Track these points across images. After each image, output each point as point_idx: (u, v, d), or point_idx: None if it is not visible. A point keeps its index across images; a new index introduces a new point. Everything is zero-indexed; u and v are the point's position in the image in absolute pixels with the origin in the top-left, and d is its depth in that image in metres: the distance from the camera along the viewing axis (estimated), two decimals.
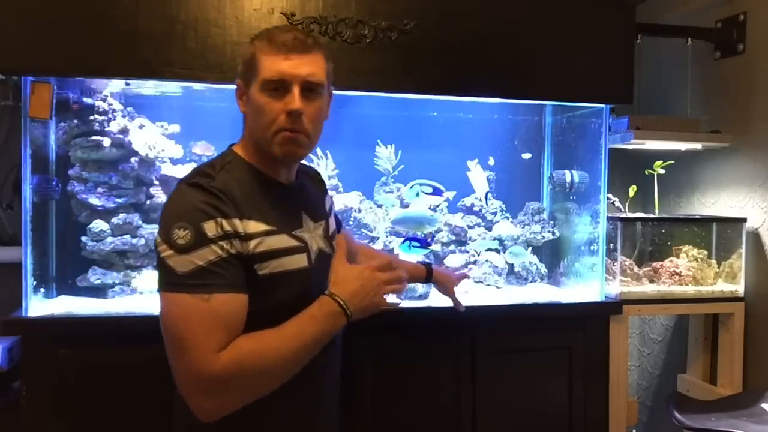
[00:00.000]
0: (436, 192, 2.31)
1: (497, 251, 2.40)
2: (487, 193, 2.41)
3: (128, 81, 1.97)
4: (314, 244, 1.28)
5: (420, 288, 2.15)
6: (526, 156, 2.53)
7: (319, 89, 1.22)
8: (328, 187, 1.56)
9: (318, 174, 1.52)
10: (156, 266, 1.15)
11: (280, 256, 1.18)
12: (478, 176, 2.40)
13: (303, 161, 1.36)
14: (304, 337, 1.13)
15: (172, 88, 2.05)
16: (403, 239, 2.23)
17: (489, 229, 2.45)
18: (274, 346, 1.10)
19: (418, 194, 2.28)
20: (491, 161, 2.49)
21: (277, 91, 1.18)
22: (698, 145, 2.40)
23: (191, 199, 1.13)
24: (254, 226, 1.16)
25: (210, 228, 1.10)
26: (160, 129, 2.14)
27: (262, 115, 1.19)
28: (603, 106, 2.22)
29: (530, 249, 2.46)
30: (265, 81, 1.18)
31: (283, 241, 1.20)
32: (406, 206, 2.40)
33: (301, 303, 1.18)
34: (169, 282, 1.10)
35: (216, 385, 1.06)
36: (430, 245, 2.28)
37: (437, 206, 2.41)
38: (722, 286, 2.33)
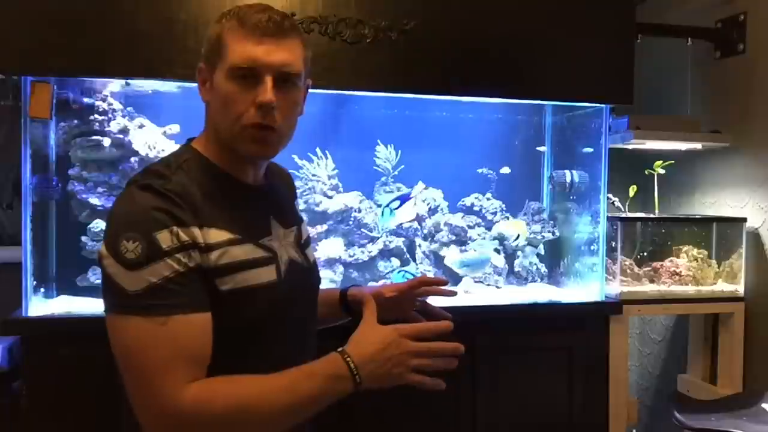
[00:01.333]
0: (403, 199, 2.25)
1: (497, 251, 2.40)
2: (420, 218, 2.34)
3: (128, 81, 1.97)
4: (284, 254, 1.11)
5: None
6: (542, 148, 2.52)
7: (294, 80, 1.06)
8: (328, 187, 1.53)
9: (290, 176, 1.36)
10: (101, 283, 0.98)
11: (244, 269, 1.02)
12: (407, 210, 2.30)
13: (273, 160, 1.18)
14: (295, 394, 0.95)
15: (172, 87, 2.05)
16: (397, 270, 2.22)
17: (489, 229, 2.45)
18: (255, 394, 0.94)
19: (392, 213, 2.24)
20: (506, 170, 2.49)
21: (246, 79, 1.02)
22: (698, 145, 2.40)
23: (142, 204, 0.96)
24: (215, 235, 0.99)
25: (164, 239, 0.93)
26: (163, 132, 2.14)
27: (228, 107, 1.03)
28: (603, 106, 2.22)
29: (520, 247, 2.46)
30: (233, 67, 1.02)
31: (248, 251, 1.03)
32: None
33: (271, 319, 1.06)
34: (117, 303, 0.94)
35: (180, 422, 0.91)
36: (410, 196, 2.23)
37: (437, 207, 2.41)
38: (722, 286, 2.33)
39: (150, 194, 0.97)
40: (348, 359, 0.98)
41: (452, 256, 2.29)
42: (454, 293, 1.44)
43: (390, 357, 1.00)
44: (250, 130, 1.03)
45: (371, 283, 2.23)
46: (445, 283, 1.41)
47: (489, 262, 2.29)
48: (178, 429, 0.93)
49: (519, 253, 2.41)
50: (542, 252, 2.44)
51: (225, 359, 0.98)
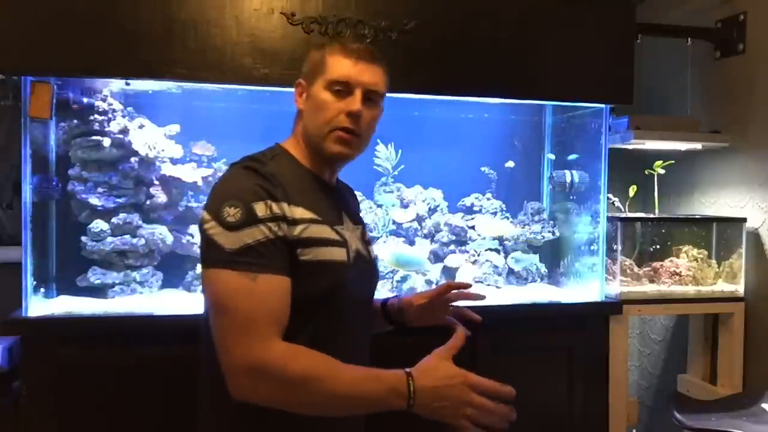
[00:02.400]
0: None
1: (497, 251, 2.40)
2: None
3: (128, 81, 1.97)
4: (353, 244, 1.29)
5: (420, 288, 2.15)
6: (550, 156, 2.52)
7: (377, 99, 1.29)
8: None
9: (352, 190, 1.55)
10: (201, 241, 1.16)
11: (321, 245, 1.19)
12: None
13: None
14: (358, 388, 1.09)
15: (172, 87, 2.05)
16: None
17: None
18: (328, 374, 1.07)
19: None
20: (510, 164, 2.49)
21: (341, 92, 1.24)
22: (698, 145, 2.40)
23: (243, 180, 1.16)
24: (301, 213, 1.18)
25: (260, 208, 1.12)
26: (164, 132, 2.14)
27: (323, 112, 1.24)
28: (603, 106, 2.22)
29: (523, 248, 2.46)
30: (331, 80, 1.24)
31: (325, 231, 1.22)
32: (406, 206, 2.40)
33: (334, 298, 1.20)
34: (215, 258, 1.10)
35: (259, 371, 1.05)
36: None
37: (437, 207, 2.42)
38: (722, 286, 2.33)
39: (250, 173, 1.17)
40: (411, 381, 1.09)
41: (390, 249, 2.28)
42: (482, 297, 1.59)
43: (449, 397, 1.10)
44: (339, 132, 1.24)
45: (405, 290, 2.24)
46: (469, 287, 1.56)
47: (422, 266, 2.26)
48: (258, 375, 1.06)
49: (511, 258, 2.40)
50: (536, 260, 2.42)
51: (295, 325, 1.12)
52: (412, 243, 2.38)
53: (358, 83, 1.25)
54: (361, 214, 1.52)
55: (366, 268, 1.33)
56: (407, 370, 1.10)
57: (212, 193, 1.18)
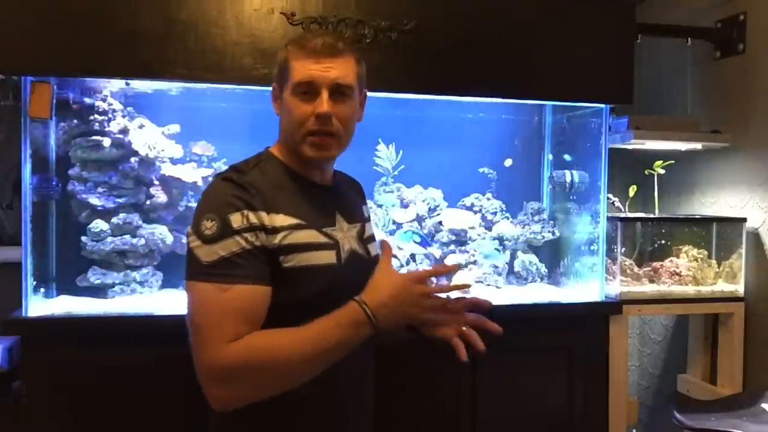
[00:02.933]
0: (423, 243, 2.31)
1: (497, 251, 2.40)
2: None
3: (128, 81, 1.97)
4: (346, 244, 1.28)
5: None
6: (568, 158, 2.49)
7: (348, 92, 1.25)
8: None
9: (358, 184, 1.54)
10: (186, 256, 1.17)
11: (306, 250, 1.19)
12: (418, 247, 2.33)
13: (347, 173, 1.46)
14: (321, 341, 1.10)
15: (172, 87, 2.05)
16: (405, 230, 2.22)
17: (489, 229, 2.45)
18: (286, 345, 1.09)
19: (410, 238, 2.29)
20: (509, 162, 2.49)
21: (307, 94, 1.21)
22: (698, 145, 2.40)
23: (221, 191, 1.17)
24: (282, 220, 1.18)
25: (236, 220, 1.13)
26: (164, 132, 2.14)
27: (293, 118, 1.23)
28: (603, 106, 2.22)
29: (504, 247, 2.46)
30: (295, 84, 1.22)
31: (311, 236, 1.21)
32: (406, 206, 2.40)
33: (327, 301, 1.16)
34: (193, 271, 1.13)
35: (223, 374, 1.07)
36: (429, 246, 2.27)
37: (437, 207, 2.42)
38: (722, 286, 2.33)
39: (228, 184, 1.18)
40: (365, 306, 1.13)
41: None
42: (489, 305, 1.46)
43: (404, 300, 1.15)
44: (310, 137, 1.22)
45: None
46: (469, 287, 1.61)
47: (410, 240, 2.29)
48: (222, 378, 1.08)
49: (474, 251, 2.37)
50: (499, 257, 2.38)
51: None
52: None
53: (322, 82, 1.21)
54: (367, 208, 1.50)
55: (362, 266, 1.30)
56: (356, 298, 1.14)
57: (196, 206, 1.21)
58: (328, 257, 1.22)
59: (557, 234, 2.47)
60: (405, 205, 2.40)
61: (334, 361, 1.13)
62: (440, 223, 2.39)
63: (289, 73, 1.23)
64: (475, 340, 1.36)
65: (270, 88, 1.32)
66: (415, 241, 2.29)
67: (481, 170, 2.47)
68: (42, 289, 1.93)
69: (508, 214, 2.48)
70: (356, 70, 1.27)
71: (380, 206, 2.38)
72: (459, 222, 2.38)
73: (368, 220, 1.44)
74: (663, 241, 2.40)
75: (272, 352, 1.09)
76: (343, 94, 1.24)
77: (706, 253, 2.38)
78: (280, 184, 1.23)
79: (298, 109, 1.22)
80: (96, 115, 2.02)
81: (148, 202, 2.11)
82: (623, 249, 2.29)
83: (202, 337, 1.09)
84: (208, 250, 1.11)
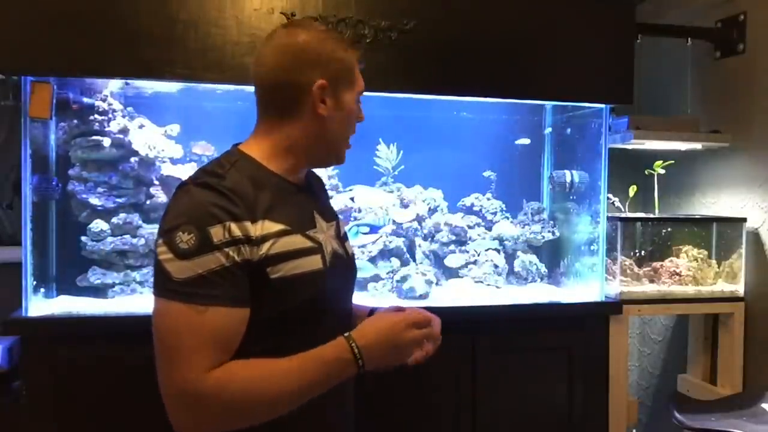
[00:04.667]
0: (374, 229, 2.28)
1: (497, 251, 2.40)
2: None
3: (128, 81, 1.97)
4: (329, 245, 1.20)
5: (420, 288, 2.15)
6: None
7: None
8: (327, 187, 1.56)
9: (320, 178, 1.46)
10: (154, 268, 1.07)
11: (294, 258, 1.10)
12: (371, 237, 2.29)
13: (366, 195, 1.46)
14: (304, 377, 1.03)
15: (172, 87, 2.05)
16: (351, 225, 2.21)
17: (489, 229, 2.45)
18: (267, 378, 1.02)
19: (356, 234, 2.26)
20: (526, 140, 2.50)
21: (358, 103, 1.24)
22: (698, 145, 2.40)
23: (199, 200, 1.04)
24: (268, 227, 1.08)
25: (216, 233, 1.02)
26: (164, 132, 2.14)
27: (351, 124, 1.23)
28: (603, 106, 2.22)
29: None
30: (360, 92, 1.23)
31: (297, 241, 1.12)
32: (406, 206, 2.40)
33: (313, 310, 1.13)
34: (164, 287, 1.01)
35: (195, 402, 1.00)
36: (381, 228, 2.26)
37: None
38: (722, 286, 2.33)
39: (208, 191, 1.05)
40: (353, 345, 1.06)
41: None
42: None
43: (396, 345, 1.09)
44: (347, 142, 1.26)
45: (371, 284, 2.24)
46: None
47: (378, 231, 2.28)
48: (196, 407, 1.00)
49: (475, 251, 2.37)
50: (420, 250, 2.35)
51: (273, 345, 1.06)
52: (412, 242, 2.38)
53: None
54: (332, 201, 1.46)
55: (344, 268, 1.25)
56: (345, 335, 1.07)
57: (165, 214, 1.08)
58: (315, 263, 1.14)
59: (557, 234, 2.47)
60: (405, 205, 2.40)
61: (313, 397, 1.06)
62: (352, 199, 2.35)
63: (355, 78, 1.22)
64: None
65: None
66: (363, 233, 2.25)
67: (484, 174, 2.47)
68: (42, 289, 1.93)
69: (508, 214, 2.48)
70: None
71: (380, 206, 2.38)
72: (372, 201, 2.33)
73: (338, 217, 1.38)
74: (663, 241, 2.40)
75: (250, 385, 1.01)
76: None
77: (706, 253, 2.38)
78: (260, 185, 1.11)
79: (356, 117, 1.23)
80: (96, 115, 2.02)
81: (148, 202, 2.11)
82: (623, 249, 2.29)
83: (174, 359, 0.99)
84: (181, 266, 1.00)
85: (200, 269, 1.00)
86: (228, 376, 1.00)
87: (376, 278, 2.26)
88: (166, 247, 1.02)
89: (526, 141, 2.49)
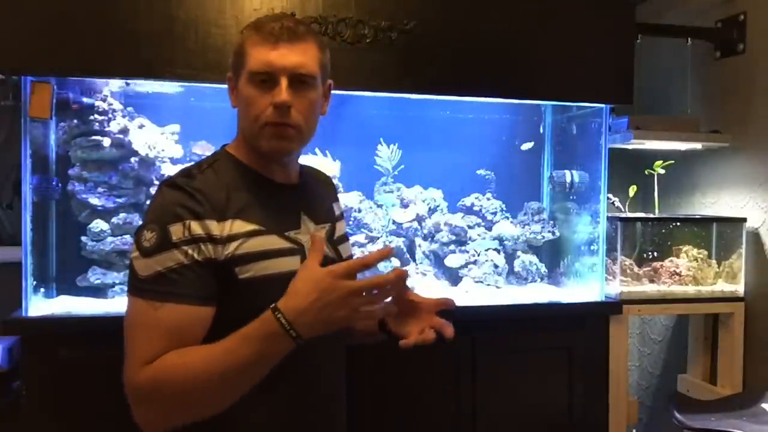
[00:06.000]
0: None
1: (497, 251, 2.40)
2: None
3: (128, 81, 1.97)
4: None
5: (418, 282, 2.15)
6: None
7: (310, 81, 1.13)
8: None
9: (328, 178, 1.42)
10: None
11: (265, 258, 1.08)
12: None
13: (312, 165, 1.35)
14: (234, 359, 0.98)
15: (172, 87, 2.05)
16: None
17: (489, 229, 2.45)
18: (197, 364, 0.99)
19: None
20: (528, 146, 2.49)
21: (265, 83, 1.10)
22: (698, 145, 2.40)
23: (165, 199, 1.07)
24: (238, 226, 1.07)
25: (176, 231, 1.03)
26: (164, 133, 2.14)
27: (250, 109, 1.12)
28: (603, 106, 2.22)
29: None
30: (251, 73, 1.10)
31: (271, 242, 1.10)
32: (406, 206, 2.40)
33: None
34: (130, 284, 1.05)
35: (138, 396, 1.01)
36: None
37: (437, 207, 2.42)
38: (722, 286, 2.33)
39: (174, 191, 1.07)
40: (279, 316, 0.98)
41: None
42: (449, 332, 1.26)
43: (328, 303, 0.98)
44: (269, 128, 1.11)
45: None
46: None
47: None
48: (139, 400, 1.01)
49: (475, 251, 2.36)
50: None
51: None
52: (412, 242, 2.38)
53: (282, 70, 1.09)
54: (339, 204, 1.37)
55: None
56: (271, 306, 0.99)
57: (144, 214, 1.12)
58: (292, 263, 1.09)
59: (557, 234, 2.47)
60: (405, 205, 2.40)
61: (255, 380, 1.01)
62: (489, 228, 2.40)
63: (246, 59, 1.11)
64: (444, 327, 1.21)
65: None
66: None
67: (479, 172, 2.47)
68: (42, 289, 1.93)
69: (508, 214, 2.48)
70: (319, 57, 1.15)
71: (380, 206, 2.38)
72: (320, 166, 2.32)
73: (340, 218, 1.33)
74: (663, 241, 2.40)
75: (180, 372, 0.99)
76: (305, 83, 1.12)
77: (706, 253, 2.38)
78: (236, 185, 1.11)
79: (254, 100, 1.10)
80: (96, 115, 2.02)
81: (148, 202, 2.10)
82: (623, 249, 2.29)
83: (127, 354, 1.02)
84: (144, 264, 1.03)
85: (159, 266, 1.02)
86: (159, 365, 0.99)
87: None
88: (135, 246, 1.05)
89: (529, 145, 2.49)
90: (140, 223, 2.00)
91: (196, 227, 1.03)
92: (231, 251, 1.05)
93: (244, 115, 1.15)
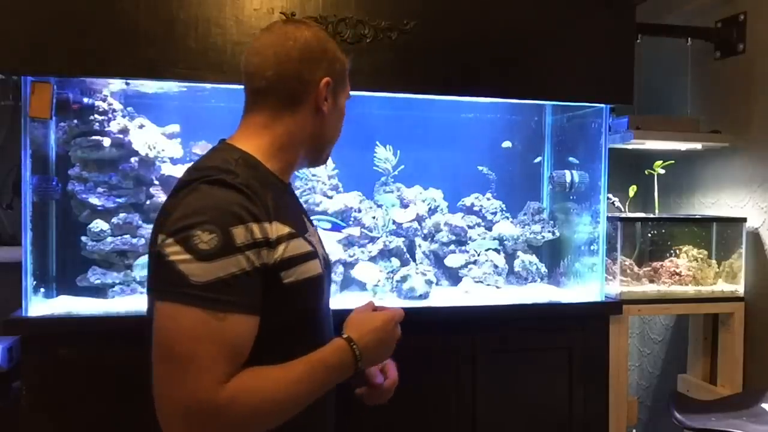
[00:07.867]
0: (335, 228, 2.25)
1: (497, 251, 2.40)
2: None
3: (128, 81, 1.97)
4: (319, 249, 1.16)
5: (420, 288, 2.15)
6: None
7: None
8: (328, 187, 1.56)
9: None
10: (154, 267, 0.99)
11: (301, 262, 1.05)
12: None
13: None
14: (312, 383, 1.00)
15: (172, 87, 2.05)
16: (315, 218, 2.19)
17: (489, 229, 2.45)
18: (278, 388, 0.97)
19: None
20: (507, 144, 2.49)
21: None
22: (698, 145, 2.40)
23: (220, 198, 0.96)
24: (281, 229, 1.02)
25: (239, 234, 0.94)
26: (164, 132, 2.14)
27: (339, 126, 1.22)
28: (603, 106, 2.22)
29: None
30: (348, 96, 1.23)
31: (302, 245, 1.07)
32: (406, 206, 2.40)
33: (316, 317, 1.11)
34: (177, 291, 0.92)
35: (212, 416, 0.91)
36: (343, 228, 2.25)
37: (437, 208, 2.43)
38: (722, 286, 2.33)
39: (226, 189, 0.97)
40: (354, 347, 1.05)
41: None
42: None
43: (384, 341, 1.12)
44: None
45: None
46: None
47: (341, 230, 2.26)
48: (209, 421, 0.91)
49: (475, 251, 2.38)
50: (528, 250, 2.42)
51: (281, 353, 1.00)
52: (412, 242, 2.38)
53: None
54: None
55: (329, 272, 1.24)
56: (344, 336, 1.06)
57: (169, 213, 0.98)
58: (316, 267, 1.09)
59: (557, 234, 2.47)
60: (405, 205, 2.40)
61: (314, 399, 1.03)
62: (489, 228, 2.40)
63: (347, 82, 1.22)
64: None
65: None
66: (324, 228, 2.19)
67: (480, 168, 2.46)
68: (42, 289, 1.93)
69: (508, 214, 2.48)
70: None
71: (380, 206, 2.38)
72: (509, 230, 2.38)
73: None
74: (663, 241, 2.40)
75: (263, 396, 0.95)
76: None
77: (706, 253, 2.38)
78: (266, 186, 1.05)
79: (343, 120, 1.23)
80: (96, 115, 2.02)
81: (148, 202, 2.11)
82: (623, 249, 2.29)
83: (189, 370, 0.90)
84: (201, 268, 0.91)
85: (221, 272, 0.92)
86: (241, 386, 0.93)
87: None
88: (180, 247, 0.92)
89: (508, 143, 2.49)
90: (140, 223, 2.04)
91: (256, 230, 0.97)
92: (279, 255, 1.01)
93: (333, 126, 1.19)
